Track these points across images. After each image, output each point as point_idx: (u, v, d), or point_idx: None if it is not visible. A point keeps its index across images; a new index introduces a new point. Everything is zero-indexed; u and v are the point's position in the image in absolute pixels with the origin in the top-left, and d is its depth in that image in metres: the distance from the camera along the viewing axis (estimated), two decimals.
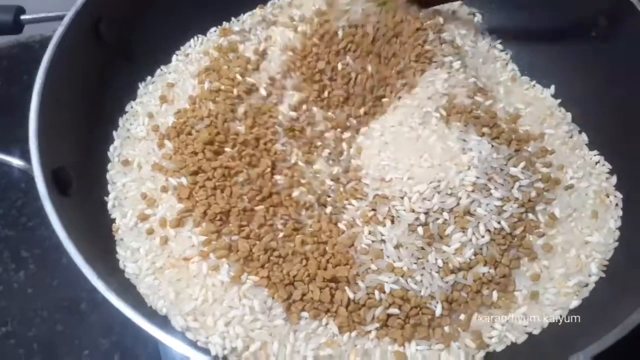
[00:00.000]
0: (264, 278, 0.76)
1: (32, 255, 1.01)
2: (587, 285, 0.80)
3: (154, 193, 0.85)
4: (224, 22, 1.06)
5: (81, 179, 0.82)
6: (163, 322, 0.74)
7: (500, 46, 1.05)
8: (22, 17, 0.90)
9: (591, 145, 0.93)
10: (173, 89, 0.96)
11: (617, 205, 0.86)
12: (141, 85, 0.99)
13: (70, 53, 0.84)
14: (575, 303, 0.78)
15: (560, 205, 0.85)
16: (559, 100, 0.98)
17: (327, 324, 0.75)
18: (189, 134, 0.86)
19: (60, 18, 0.84)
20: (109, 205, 0.85)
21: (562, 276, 0.80)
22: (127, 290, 0.76)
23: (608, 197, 0.87)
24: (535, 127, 0.94)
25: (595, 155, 0.92)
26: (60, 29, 0.83)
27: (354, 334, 0.74)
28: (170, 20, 1.00)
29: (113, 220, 0.84)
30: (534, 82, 1.01)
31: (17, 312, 0.96)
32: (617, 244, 0.83)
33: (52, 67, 0.80)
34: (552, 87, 0.99)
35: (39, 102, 0.78)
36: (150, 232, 0.81)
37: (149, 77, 1.00)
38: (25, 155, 0.76)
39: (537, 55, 1.02)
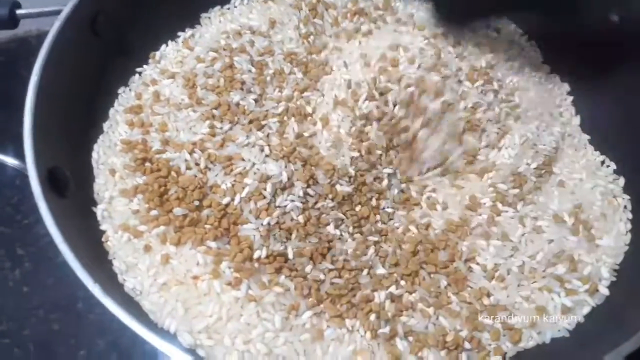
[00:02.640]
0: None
1: (27, 253, 1.00)
2: (597, 290, 0.78)
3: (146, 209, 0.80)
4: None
5: (78, 179, 0.80)
6: (168, 335, 0.72)
7: None
8: (18, 11, 0.88)
9: (598, 146, 0.93)
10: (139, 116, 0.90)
11: (625, 207, 0.85)
12: (120, 91, 0.93)
13: (67, 49, 0.81)
14: (587, 309, 0.77)
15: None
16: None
17: (352, 329, 0.73)
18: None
19: (57, 13, 0.82)
20: (99, 217, 0.80)
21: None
22: (129, 304, 0.73)
23: (616, 198, 0.86)
24: None
25: (599, 155, 0.91)
26: (56, 24, 0.80)
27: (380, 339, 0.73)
28: (169, 13, 0.97)
29: (104, 232, 0.79)
30: None
31: (13, 311, 0.95)
32: (627, 247, 0.81)
33: (49, 64, 0.78)
34: None
35: (34, 99, 0.75)
36: (148, 249, 0.77)
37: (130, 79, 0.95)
38: (19, 154, 0.74)
39: (545, 54, 1.02)
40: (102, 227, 0.79)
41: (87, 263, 0.67)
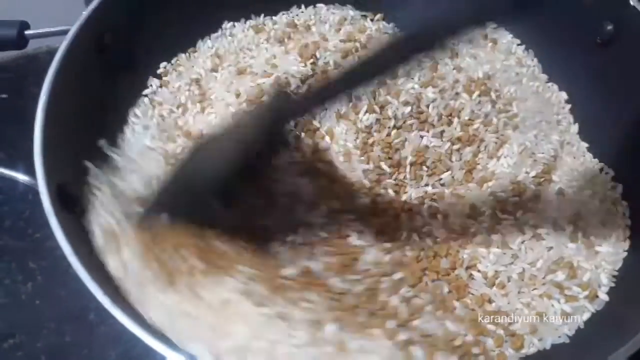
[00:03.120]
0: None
1: (39, 267, 1.00)
2: (597, 296, 0.79)
3: None
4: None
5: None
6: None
7: None
8: (27, 32, 0.90)
9: (596, 153, 0.93)
10: None
11: (624, 214, 0.86)
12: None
13: (75, 68, 0.83)
14: (586, 315, 0.78)
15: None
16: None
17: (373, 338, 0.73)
18: None
19: (65, 33, 0.83)
20: None
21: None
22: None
23: (614, 205, 0.87)
24: None
25: (598, 162, 0.92)
26: (64, 43, 0.82)
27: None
28: (175, 31, 0.99)
29: None
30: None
31: (25, 324, 0.96)
32: (625, 253, 0.82)
33: (57, 83, 0.79)
34: None
35: (43, 117, 0.77)
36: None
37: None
38: (30, 170, 0.75)
39: (540, 63, 1.03)
40: None
41: (96, 276, 0.68)
